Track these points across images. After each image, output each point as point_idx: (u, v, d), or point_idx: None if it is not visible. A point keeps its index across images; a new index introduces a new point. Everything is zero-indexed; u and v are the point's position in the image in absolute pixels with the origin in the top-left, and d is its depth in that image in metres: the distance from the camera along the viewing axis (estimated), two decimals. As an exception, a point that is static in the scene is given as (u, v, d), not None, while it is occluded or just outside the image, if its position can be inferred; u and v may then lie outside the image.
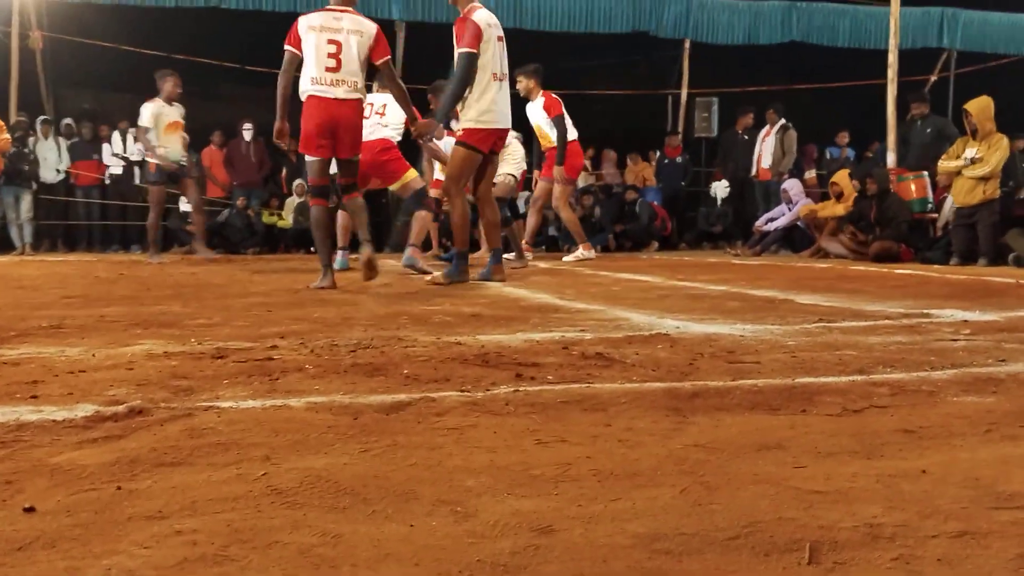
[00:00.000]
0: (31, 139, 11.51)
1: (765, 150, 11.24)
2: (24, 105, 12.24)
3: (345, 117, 4.89)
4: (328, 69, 4.82)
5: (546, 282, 5.52)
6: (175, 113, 8.86)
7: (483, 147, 5.27)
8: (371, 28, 4.96)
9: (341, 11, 4.91)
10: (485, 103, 5.18)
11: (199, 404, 1.81)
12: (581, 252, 8.43)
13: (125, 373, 2.16)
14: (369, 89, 5.75)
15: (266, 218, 12.77)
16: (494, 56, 5.18)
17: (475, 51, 5.07)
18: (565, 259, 8.41)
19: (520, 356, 2.38)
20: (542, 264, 7.93)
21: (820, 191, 12.60)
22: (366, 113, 5.50)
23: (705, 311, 3.58)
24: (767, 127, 11.42)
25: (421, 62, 12.66)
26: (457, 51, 5.15)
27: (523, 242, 9.04)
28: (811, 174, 13.08)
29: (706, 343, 2.65)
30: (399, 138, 6.44)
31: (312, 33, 4.84)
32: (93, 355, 2.41)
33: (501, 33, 5.31)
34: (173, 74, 8.90)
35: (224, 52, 14.69)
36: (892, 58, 9.97)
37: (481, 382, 2.05)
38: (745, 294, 4.41)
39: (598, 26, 13.84)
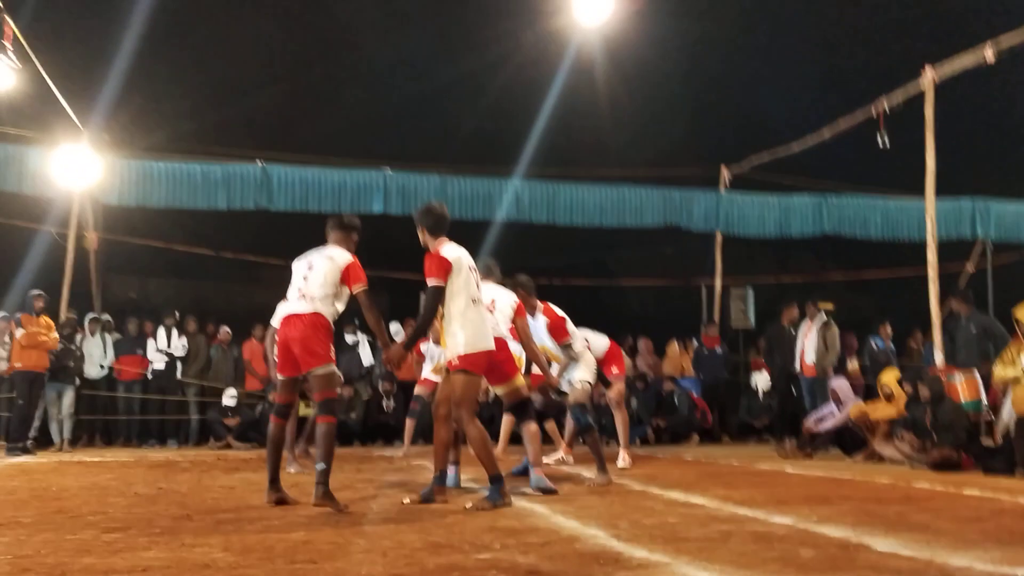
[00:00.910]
0: (78, 336, 11.72)
1: (808, 345, 11.15)
2: (73, 297, 12.58)
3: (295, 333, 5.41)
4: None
5: (595, 507, 5.31)
6: None
7: (480, 370, 5.42)
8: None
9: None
10: (471, 327, 5.35)
11: None
12: (625, 460, 8.30)
13: None
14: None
15: (302, 410, 12.72)
16: (467, 283, 5.39)
17: (442, 283, 5.31)
18: (619, 464, 8.18)
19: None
20: (585, 472, 7.70)
21: (864, 383, 12.39)
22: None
23: (779, 566, 3.36)
24: (807, 321, 11.38)
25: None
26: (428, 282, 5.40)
27: (564, 444, 8.90)
28: (854, 364, 12.91)
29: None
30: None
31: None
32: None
33: (472, 263, 5.57)
34: None
35: (267, 247, 15.18)
36: (932, 256, 9.97)
37: None
38: (815, 535, 4.17)
39: (629, 220, 14.14)
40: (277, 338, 5.50)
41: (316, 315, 5.39)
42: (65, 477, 7.51)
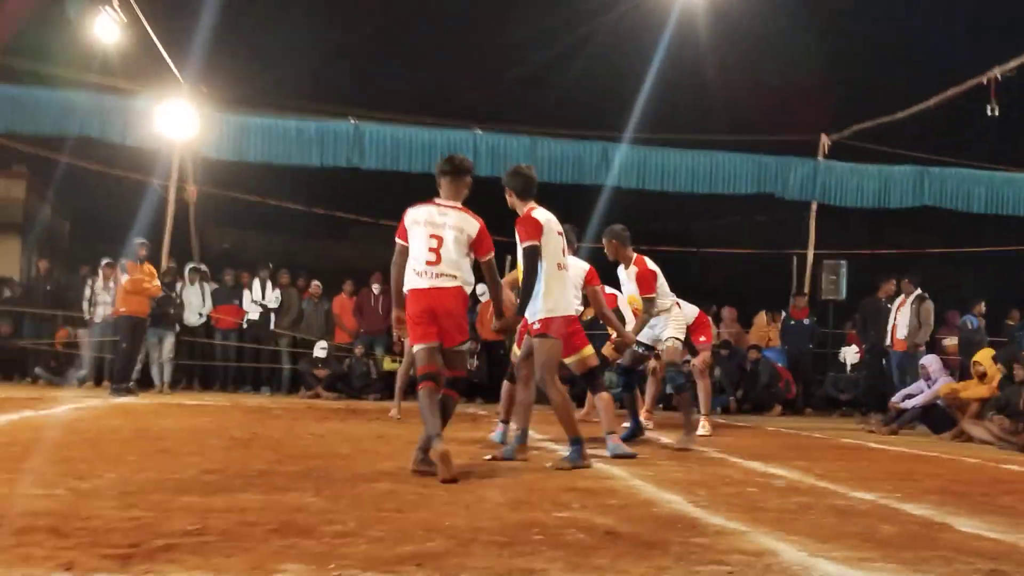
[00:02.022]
0: (179, 284, 12.20)
1: (900, 320, 10.91)
2: (172, 247, 13.10)
3: (442, 305, 4.90)
4: (428, 263, 4.90)
5: (674, 473, 5.35)
6: None
7: (560, 335, 5.43)
8: (473, 226, 4.99)
9: (448, 207, 5.02)
10: (556, 292, 5.38)
11: None
12: (705, 428, 8.28)
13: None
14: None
15: (387, 364, 13.05)
16: (555, 248, 5.41)
17: (538, 243, 5.29)
18: (699, 432, 8.13)
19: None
20: (664, 438, 7.73)
21: (959, 359, 12.07)
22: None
23: (858, 541, 3.36)
24: (902, 296, 11.12)
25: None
26: (520, 246, 5.35)
27: (644, 411, 8.92)
28: (951, 341, 12.56)
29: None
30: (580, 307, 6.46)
31: (416, 227, 4.97)
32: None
33: (560, 228, 5.56)
34: None
35: (358, 204, 15.45)
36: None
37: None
38: (897, 512, 4.14)
39: (721, 187, 13.91)
40: (411, 305, 4.94)
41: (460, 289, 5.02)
42: (165, 419, 7.89)
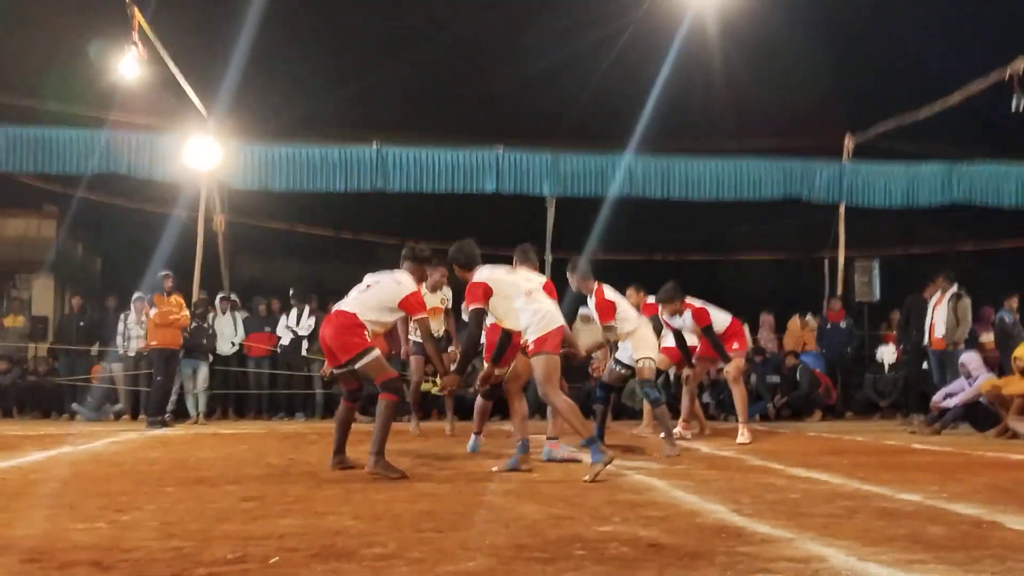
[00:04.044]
0: (211, 315, 12.29)
1: (938, 318, 10.73)
2: (203, 278, 13.21)
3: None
4: None
5: (715, 481, 5.28)
6: (435, 299, 9.23)
7: (555, 348, 5.61)
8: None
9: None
10: (534, 316, 5.64)
11: None
12: (745, 435, 8.20)
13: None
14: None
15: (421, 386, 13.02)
16: (514, 284, 5.79)
17: (481, 306, 5.69)
18: (739, 439, 8.13)
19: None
20: (704, 448, 7.66)
21: (996, 355, 11.86)
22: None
23: (907, 543, 3.28)
24: (939, 294, 10.93)
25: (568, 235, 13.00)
26: (467, 310, 5.99)
27: (681, 420, 8.90)
28: (988, 338, 12.36)
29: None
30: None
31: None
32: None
33: (508, 269, 6.13)
34: (441, 267, 8.77)
35: (383, 227, 15.51)
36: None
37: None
38: (945, 512, 4.05)
39: (747, 193, 13.81)
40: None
41: None
42: (202, 448, 7.92)
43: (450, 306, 9.70)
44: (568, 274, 7.56)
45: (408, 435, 9.07)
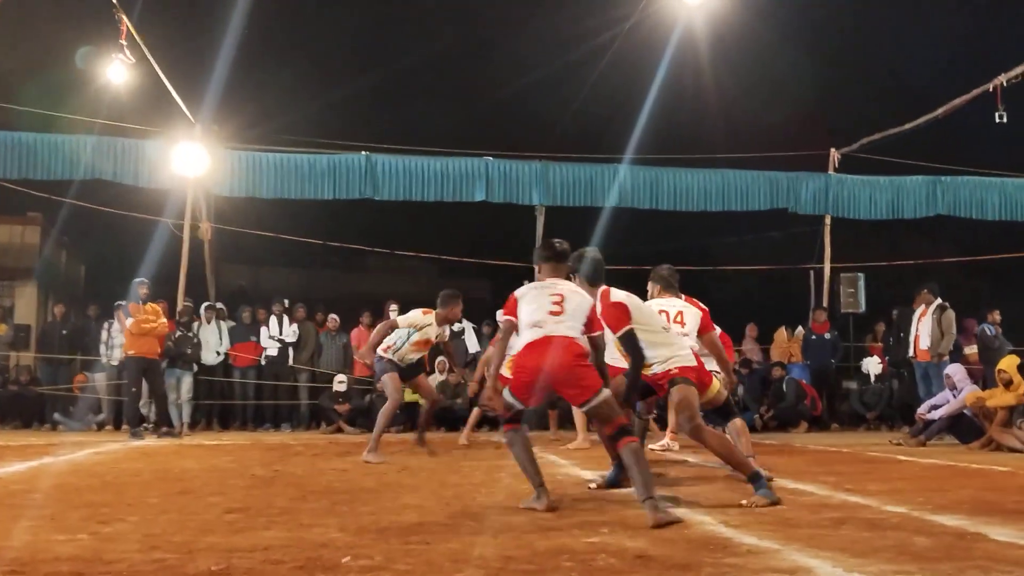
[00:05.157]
0: (195, 324, 12.21)
1: (922, 330, 10.80)
2: (188, 286, 13.13)
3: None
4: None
5: (703, 493, 5.28)
6: (433, 332, 8.15)
7: (696, 379, 5.19)
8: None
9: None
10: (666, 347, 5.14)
11: None
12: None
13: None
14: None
15: (408, 396, 12.98)
16: (651, 314, 5.31)
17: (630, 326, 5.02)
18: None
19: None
20: (691, 458, 7.66)
21: (979, 367, 11.95)
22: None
23: (893, 554, 3.29)
24: (923, 306, 11.01)
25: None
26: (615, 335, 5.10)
27: (669, 431, 8.89)
28: (972, 350, 12.44)
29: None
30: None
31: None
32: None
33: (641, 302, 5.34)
34: (459, 300, 8.20)
35: (372, 235, 15.49)
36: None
37: None
38: (930, 523, 4.06)
39: (735, 204, 13.92)
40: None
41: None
42: (186, 459, 7.86)
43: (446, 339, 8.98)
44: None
45: (395, 446, 9.03)
